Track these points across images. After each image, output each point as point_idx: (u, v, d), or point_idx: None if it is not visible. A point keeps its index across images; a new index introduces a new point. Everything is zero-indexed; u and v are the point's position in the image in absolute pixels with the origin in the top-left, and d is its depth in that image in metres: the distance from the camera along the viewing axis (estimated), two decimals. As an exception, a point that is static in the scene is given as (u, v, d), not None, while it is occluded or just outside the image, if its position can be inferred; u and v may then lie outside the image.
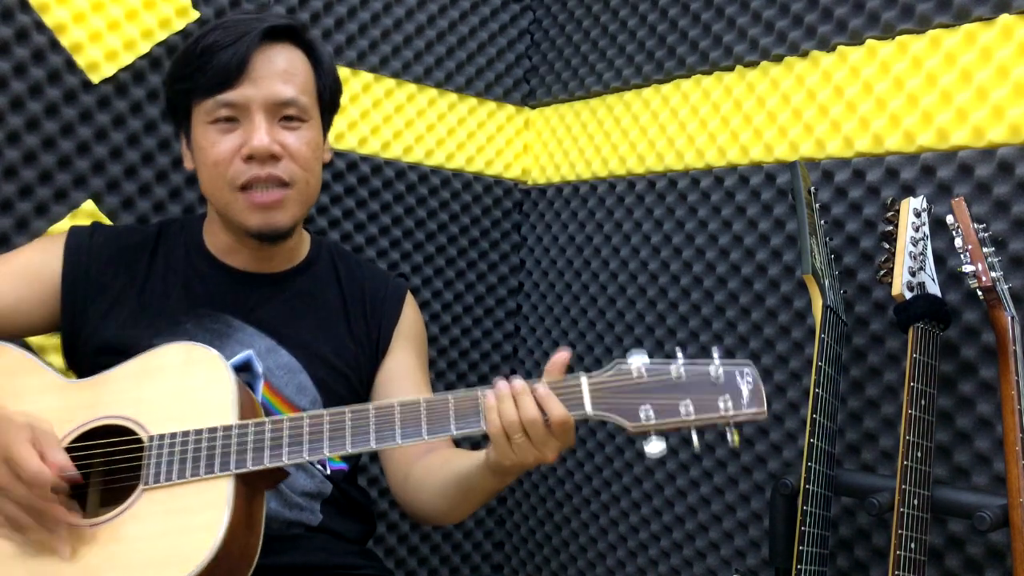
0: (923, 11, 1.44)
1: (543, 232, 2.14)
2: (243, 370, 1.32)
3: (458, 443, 1.38)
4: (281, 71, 1.30)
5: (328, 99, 1.40)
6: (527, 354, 2.16)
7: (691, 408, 1.08)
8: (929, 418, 1.29)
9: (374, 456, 1.87)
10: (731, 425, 1.09)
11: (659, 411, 1.09)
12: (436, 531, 2.05)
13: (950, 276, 1.39)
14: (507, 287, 2.17)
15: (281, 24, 1.32)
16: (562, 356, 1.12)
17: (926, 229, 1.36)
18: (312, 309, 1.42)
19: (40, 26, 1.53)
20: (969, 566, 1.37)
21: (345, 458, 1.41)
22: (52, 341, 1.53)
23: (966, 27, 1.39)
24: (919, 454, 1.27)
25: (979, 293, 1.29)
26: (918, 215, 1.36)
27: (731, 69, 1.75)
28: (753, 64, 1.71)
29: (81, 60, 1.57)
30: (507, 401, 1.09)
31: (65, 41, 1.55)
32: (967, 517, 1.27)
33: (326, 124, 1.42)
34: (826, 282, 1.40)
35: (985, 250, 1.28)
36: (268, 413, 1.19)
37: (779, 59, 1.66)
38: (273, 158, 1.29)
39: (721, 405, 1.08)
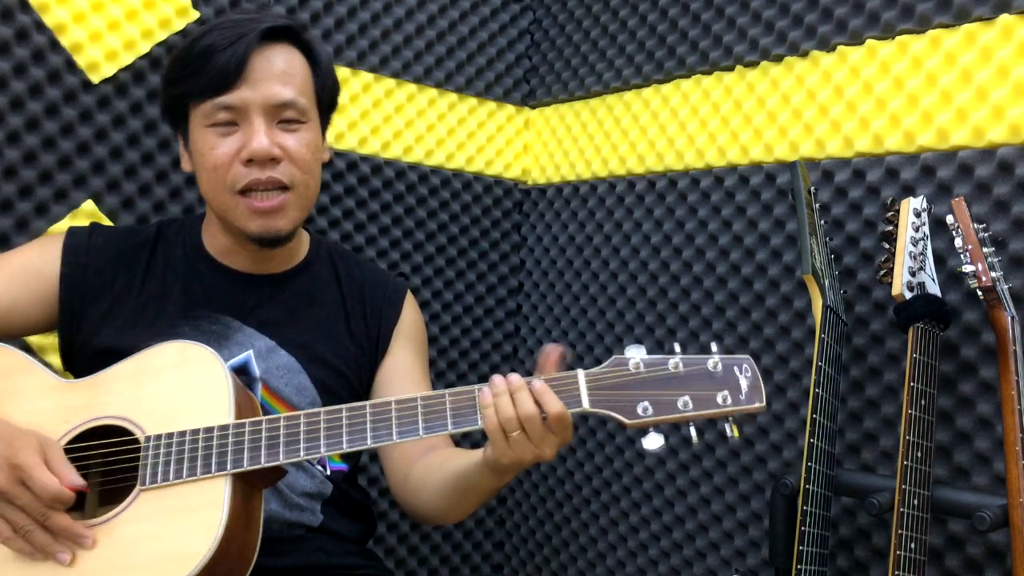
0: (923, 11, 1.44)
1: (543, 232, 2.14)
2: (240, 373, 1.31)
3: (458, 442, 1.38)
4: (279, 72, 1.29)
5: (326, 99, 1.39)
6: (527, 354, 2.16)
7: (689, 402, 1.08)
8: (929, 418, 1.29)
9: (374, 456, 1.87)
10: (730, 419, 1.09)
11: (657, 406, 1.08)
12: (436, 531, 2.05)
13: (950, 276, 1.39)
14: (507, 287, 2.17)
15: (279, 25, 1.30)
16: (554, 352, 1.12)
17: (926, 229, 1.36)
18: (311, 309, 1.41)
19: (40, 26, 1.53)
20: (969, 566, 1.37)
21: (345, 458, 1.41)
22: (51, 341, 1.53)
23: (966, 27, 1.39)
24: (919, 454, 1.27)
25: (979, 293, 1.29)
26: (918, 215, 1.36)
27: (731, 69, 1.75)
28: (753, 64, 1.71)
29: (81, 60, 1.57)
30: (503, 397, 1.09)
31: (65, 41, 1.56)
32: (967, 517, 1.27)
33: (325, 124, 1.41)
34: (826, 282, 1.40)
35: (985, 250, 1.28)
36: (266, 414, 1.19)
37: (779, 59, 1.66)
38: (273, 161, 1.28)
39: (719, 399, 1.08)
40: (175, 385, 1.16)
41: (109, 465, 1.17)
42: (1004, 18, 1.34)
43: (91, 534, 1.08)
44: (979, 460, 1.37)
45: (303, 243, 1.47)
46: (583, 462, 2.00)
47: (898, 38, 1.48)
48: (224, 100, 1.26)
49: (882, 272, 1.38)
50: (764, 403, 1.08)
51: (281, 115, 1.29)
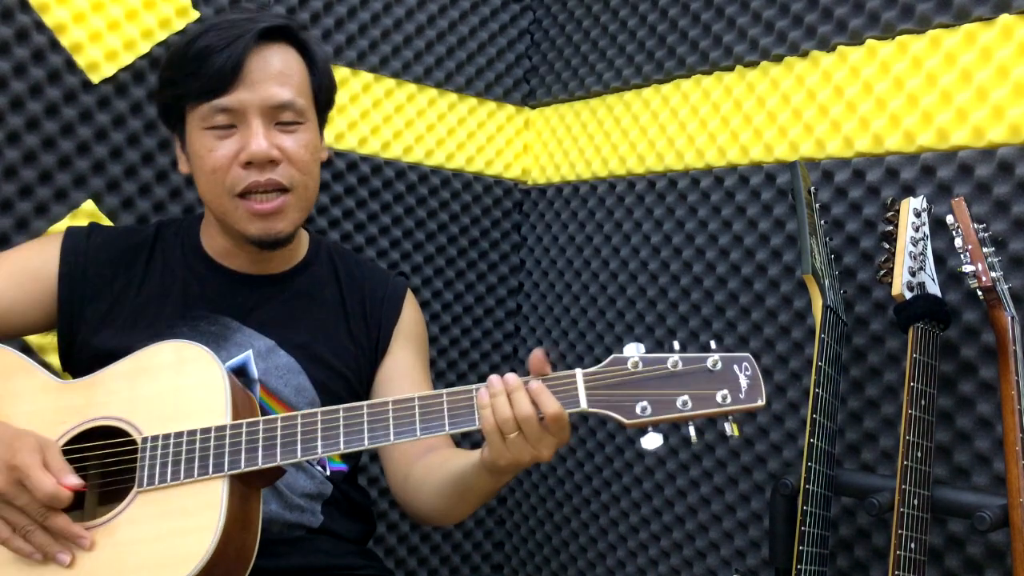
0: (923, 11, 1.44)
1: (543, 232, 2.14)
2: (238, 375, 1.30)
3: (458, 442, 1.38)
4: (276, 73, 1.28)
5: (324, 98, 1.38)
6: (527, 354, 2.14)
7: (688, 402, 1.07)
8: (929, 418, 1.29)
9: (374, 456, 1.87)
10: (730, 418, 1.08)
11: (656, 405, 1.07)
12: (436, 531, 2.05)
13: (950, 276, 1.39)
14: (507, 287, 2.17)
15: (275, 24, 1.29)
16: (537, 354, 1.10)
17: (926, 229, 1.36)
18: (311, 310, 1.41)
19: (40, 26, 1.53)
20: (969, 566, 1.37)
21: (345, 458, 1.41)
22: (50, 341, 1.53)
23: (966, 27, 1.39)
24: (919, 454, 1.27)
25: (979, 293, 1.29)
26: (918, 215, 1.36)
27: (731, 69, 1.75)
28: (753, 64, 1.71)
29: (81, 60, 1.57)
30: (500, 397, 1.08)
31: (65, 41, 1.56)
32: (967, 517, 1.27)
33: (322, 123, 1.40)
34: (826, 282, 1.40)
35: (985, 250, 1.28)
36: (264, 415, 1.19)
37: (779, 59, 1.66)
38: (271, 163, 1.27)
39: (719, 398, 1.07)
40: (172, 385, 1.15)
41: (107, 466, 1.16)
42: (1004, 18, 1.34)
43: (89, 535, 1.08)
44: (979, 460, 1.36)
45: (302, 243, 1.46)
46: (583, 462, 2.00)
47: (898, 38, 1.48)
48: (221, 102, 1.25)
49: (882, 272, 1.38)
50: (764, 401, 1.07)
51: (279, 116, 1.28)
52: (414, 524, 2.00)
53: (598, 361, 2.01)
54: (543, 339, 2.12)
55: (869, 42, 1.52)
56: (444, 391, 1.12)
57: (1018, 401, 1.24)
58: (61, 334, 1.35)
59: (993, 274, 1.27)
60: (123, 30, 1.60)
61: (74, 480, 1.07)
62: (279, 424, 1.12)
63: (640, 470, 1.88)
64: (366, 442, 1.11)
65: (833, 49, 1.57)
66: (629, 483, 1.90)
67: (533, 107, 2.19)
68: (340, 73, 1.88)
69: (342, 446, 1.11)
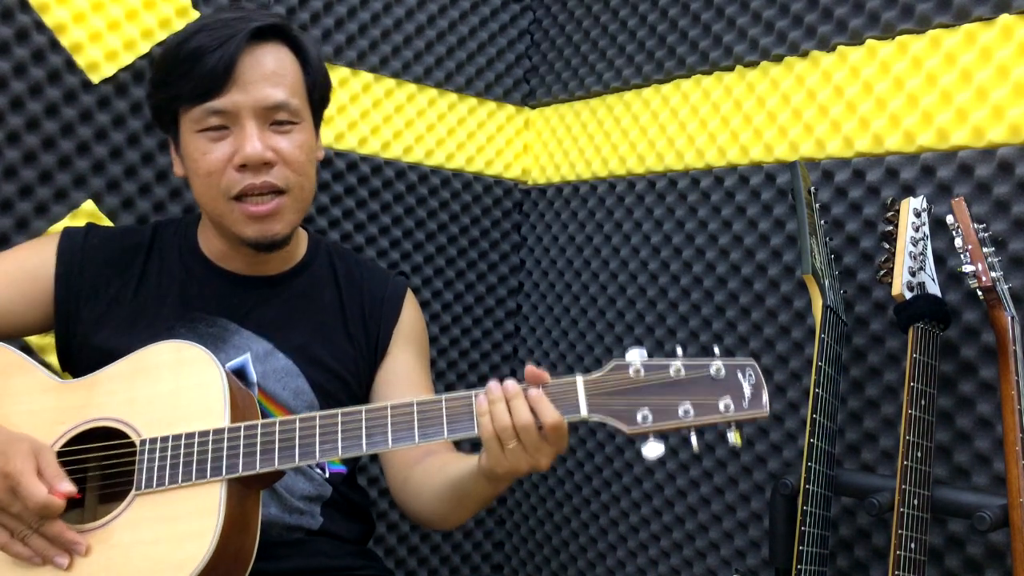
0: (923, 11, 1.44)
1: (543, 232, 2.14)
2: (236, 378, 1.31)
3: (458, 445, 1.37)
4: (270, 73, 1.26)
5: (318, 96, 1.35)
6: (527, 354, 2.16)
7: (690, 410, 1.05)
8: (929, 418, 1.29)
9: (374, 456, 1.87)
10: (732, 425, 1.06)
11: (657, 413, 1.05)
12: (436, 531, 2.05)
13: (950, 276, 1.39)
14: (507, 287, 2.17)
15: (267, 24, 1.27)
16: (530, 369, 1.08)
17: (926, 229, 1.36)
18: (309, 311, 1.40)
19: (40, 26, 1.53)
20: (969, 566, 1.37)
21: (344, 460, 1.40)
22: (50, 340, 1.52)
23: (966, 27, 1.39)
24: (919, 454, 1.27)
25: (979, 293, 1.29)
26: (918, 215, 1.36)
27: (731, 69, 1.75)
28: (753, 64, 1.71)
29: (81, 60, 1.57)
30: (499, 404, 1.06)
31: (65, 41, 1.55)
32: (967, 517, 1.27)
33: (317, 122, 1.38)
34: (826, 282, 1.40)
35: (985, 250, 1.28)
36: (263, 418, 1.19)
37: (779, 59, 1.66)
38: (266, 165, 1.26)
39: (721, 406, 1.05)
40: (170, 386, 1.15)
41: (106, 468, 1.16)
42: (1004, 18, 1.34)
43: (84, 540, 1.08)
44: (979, 460, 1.36)
45: (301, 243, 1.45)
46: (583, 462, 2.00)
47: (898, 38, 1.48)
48: (214, 105, 1.24)
49: (882, 272, 1.38)
50: (767, 410, 1.05)
51: (273, 117, 1.27)
52: (414, 525, 2.00)
53: (598, 361, 2.02)
54: (543, 339, 2.12)
55: (869, 42, 1.52)
56: (443, 396, 1.10)
57: (1018, 401, 1.24)
58: (58, 334, 1.35)
59: (993, 274, 1.27)
60: (123, 30, 1.60)
61: (68, 487, 1.07)
62: (277, 428, 1.11)
63: (640, 470, 1.87)
64: (364, 448, 1.09)
65: (833, 49, 1.57)
66: (629, 483, 1.90)
67: (533, 107, 2.19)
68: (340, 73, 1.88)
69: (340, 452, 1.10)
